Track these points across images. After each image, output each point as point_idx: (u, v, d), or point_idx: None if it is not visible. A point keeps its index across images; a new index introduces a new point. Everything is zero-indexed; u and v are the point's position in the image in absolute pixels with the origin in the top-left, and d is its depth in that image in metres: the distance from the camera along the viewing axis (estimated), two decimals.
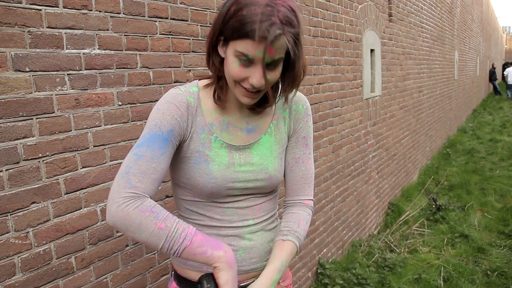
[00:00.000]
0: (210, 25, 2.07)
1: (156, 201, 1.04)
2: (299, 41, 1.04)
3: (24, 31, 1.31)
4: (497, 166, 7.05)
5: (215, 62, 1.12)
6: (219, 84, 1.15)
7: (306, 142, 1.28)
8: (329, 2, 3.33)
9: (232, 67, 1.04)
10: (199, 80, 1.21)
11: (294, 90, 1.16)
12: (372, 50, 4.29)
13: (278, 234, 1.21)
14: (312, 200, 1.30)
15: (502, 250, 3.97)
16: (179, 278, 1.25)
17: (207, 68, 1.17)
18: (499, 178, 6.31)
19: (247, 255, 1.20)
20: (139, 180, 1.01)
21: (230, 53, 1.03)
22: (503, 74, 21.31)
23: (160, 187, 1.58)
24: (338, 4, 3.48)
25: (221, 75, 1.13)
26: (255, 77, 1.02)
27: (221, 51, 1.08)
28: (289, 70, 1.08)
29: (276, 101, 1.21)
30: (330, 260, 3.50)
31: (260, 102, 1.17)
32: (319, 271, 3.28)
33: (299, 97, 1.27)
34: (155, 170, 1.04)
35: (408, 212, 4.81)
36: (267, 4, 0.97)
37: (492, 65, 21.92)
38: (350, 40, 3.74)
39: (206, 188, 1.13)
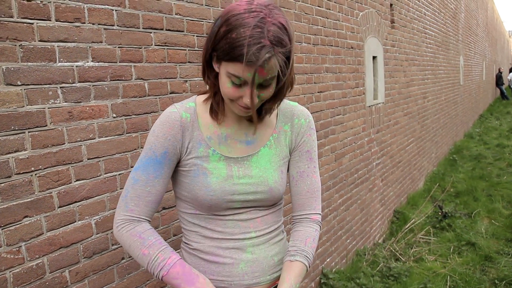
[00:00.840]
0: (206, 36, 2.07)
1: (154, 213, 1.17)
2: (290, 59, 1.03)
3: (15, 45, 1.31)
4: (505, 172, 6.96)
5: (210, 77, 1.13)
6: (215, 98, 1.16)
7: (310, 156, 1.26)
8: (329, 10, 3.32)
9: (226, 87, 1.05)
10: (198, 95, 1.22)
11: (277, 103, 1.15)
12: (374, 57, 4.27)
13: (286, 255, 1.21)
14: (320, 214, 1.28)
15: (510, 259, 3.90)
16: None
17: (202, 78, 1.17)
18: (507, 184, 6.22)
19: (249, 268, 1.18)
20: (135, 204, 1.13)
21: (223, 73, 1.04)
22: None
23: None
24: (339, 12, 3.47)
25: (217, 89, 1.14)
26: (247, 97, 1.03)
27: (215, 66, 1.09)
28: (276, 86, 1.07)
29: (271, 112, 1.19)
30: (333, 269, 3.45)
31: (259, 112, 1.17)
32: (322, 281, 3.24)
33: (301, 110, 1.26)
34: (150, 193, 1.13)
35: (413, 219, 4.75)
36: (256, 25, 0.96)
37: (499, 69, 21.78)
38: (352, 48, 3.72)
39: (206, 201, 1.14)
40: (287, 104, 1.27)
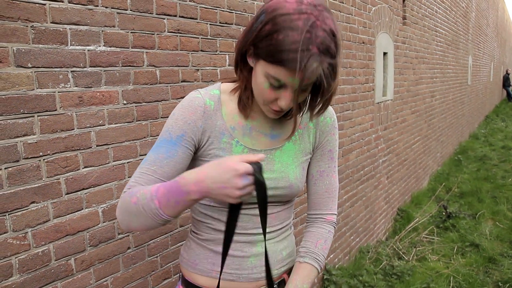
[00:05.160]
0: (221, 25, 2.03)
1: None
2: (336, 69, 0.96)
3: (27, 26, 1.27)
4: (510, 174, 6.91)
5: (244, 71, 1.08)
6: (245, 93, 1.10)
7: (332, 155, 1.24)
8: (343, 3, 3.27)
9: (262, 88, 0.99)
10: (223, 82, 1.16)
11: (321, 112, 1.09)
12: (385, 53, 4.21)
13: (297, 256, 1.20)
14: (335, 214, 1.25)
15: None
16: (187, 284, 1.21)
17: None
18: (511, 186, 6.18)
19: (258, 262, 1.16)
20: (135, 180, 1.04)
21: (260, 72, 0.98)
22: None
23: None
24: (352, 6, 3.42)
25: (248, 84, 1.09)
26: (285, 100, 0.98)
27: (250, 60, 1.03)
28: (323, 95, 1.00)
29: (301, 114, 1.16)
30: (336, 266, 3.43)
31: (286, 113, 1.14)
32: (325, 277, 3.22)
33: (327, 109, 1.21)
34: (154, 172, 1.04)
35: (417, 219, 4.73)
36: (306, 30, 0.89)
37: (506, 71, 21.62)
38: (363, 43, 3.67)
39: None
40: None
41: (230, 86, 1.15)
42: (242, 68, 1.07)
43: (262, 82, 0.98)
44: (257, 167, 0.90)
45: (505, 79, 21.01)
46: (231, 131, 1.12)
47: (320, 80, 0.94)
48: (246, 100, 1.11)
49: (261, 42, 0.94)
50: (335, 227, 1.25)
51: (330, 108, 1.22)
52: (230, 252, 1.14)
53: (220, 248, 1.14)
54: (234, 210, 0.96)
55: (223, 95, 1.13)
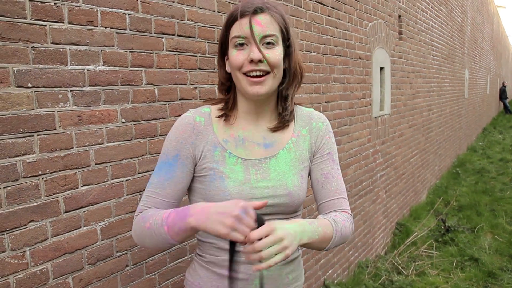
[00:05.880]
0: (218, 42, 2.05)
1: None
2: (288, 30, 1.13)
3: (27, 47, 1.29)
4: (508, 187, 6.91)
5: (222, 79, 1.19)
6: (227, 102, 1.20)
7: (332, 157, 1.23)
8: (339, 19, 3.31)
9: (231, 57, 1.10)
10: (212, 105, 1.24)
11: (294, 87, 1.20)
12: (381, 68, 4.25)
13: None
14: (351, 214, 1.22)
15: None
16: None
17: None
18: (510, 200, 6.18)
19: (263, 285, 1.15)
20: (144, 204, 1.15)
21: (230, 50, 1.11)
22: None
23: None
24: (348, 22, 3.46)
25: (229, 88, 1.19)
26: (253, 52, 1.07)
27: (227, 65, 1.15)
28: (287, 62, 1.15)
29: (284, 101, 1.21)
30: (335, 281, 3.42)
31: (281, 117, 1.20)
32: None
33: (318, 115, 1.26)
34: (159, 194, 1.14)
35: (416, 232, 4.71)
36: (245, 1, 1.10)
37: (503, 83, 21.78)
38: (360, 58, 3.71)
39: None
40: (303, 110, 1.27)
41: (219, 105, 1.22)
42: (221, 77, 1.20)
43: (232, 52, 1.10)
44: (259, 218, 0.96)
45: (502, 91, 21.15)
46: (223, 143, 1.15)
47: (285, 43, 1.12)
48: (225, 107, 1.19)
49: (222, 36, 1.14)
50: (352, 221, 1.20)
51: (321, 114, 1.27)
52: (235, 274, 1.13)
53: (223, 271, 1.15)
54: (232, 248, 0.99)
55: (213, 111, 1.20)
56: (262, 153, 1.17)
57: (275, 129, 1.19)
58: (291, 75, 1.17)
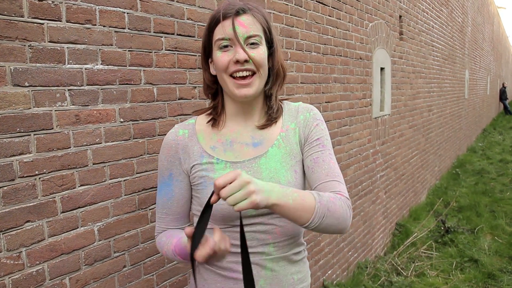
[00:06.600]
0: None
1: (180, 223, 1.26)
2: (271, 30, 1.14)
3: (25, 45, 1.28)
4: (508, 188, 6.90)
5: (208, 82, 1.19)
6: (214, 107, 1.21)
7: (323, 143, 1.17)
8: (340, 19, 3.30)
9: (216, 59, 1.10)
10: (198, 115, 1.26)
11: (277, 86, 1.20)
12: (382, 69, 4.24)
13: None
14: (348, 199, 1.11)
15: None
16: None
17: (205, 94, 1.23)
18: (510, 201, 6.17)
19: (268, 286, 1.15)
20: (159, 226, 1.26)
21: (214, 52, 1.12)
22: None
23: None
24: (349, 22, 3.45)
25: (216, 93, 1.20)
26: (237, 52, 1.07)
27: (212, 68, 1.16)
28: (271, 61, 1.16)
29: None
30: (334, 282, 3.41)
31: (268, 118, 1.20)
32: None
33: (304, 106, 1.25)
34: (167, 215, 1.23)
35: (416, 233, 4.70)
36: (226, 3, 1.11)
37: (503, 84, 21.77)
38: (360, 58, 3.69)
39: (217, 211, 1.11)
40: (291, 105, 1.26)
41: (203, 114, 1.24)
42: (207, 81, 1.20)
43: (216, 54, 1.11)
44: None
45: (502, 92, 21.14)
46: (211, 151, 1.16)
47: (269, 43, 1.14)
48: (214, 112, 1.20)
49: (204, 40, 1.15)
50: (348, 204, 1.10)
51: (307, 105, 1.25)
52: (239, 276, 1.12)
53: (228, 273, 1.15)
54: (207, 208, 0.96)
55: (198, 120, 1.22)
56: (251, 153, 1.16)
57: (263, 127, 1.18)
58: (274, 74, 1.18)
